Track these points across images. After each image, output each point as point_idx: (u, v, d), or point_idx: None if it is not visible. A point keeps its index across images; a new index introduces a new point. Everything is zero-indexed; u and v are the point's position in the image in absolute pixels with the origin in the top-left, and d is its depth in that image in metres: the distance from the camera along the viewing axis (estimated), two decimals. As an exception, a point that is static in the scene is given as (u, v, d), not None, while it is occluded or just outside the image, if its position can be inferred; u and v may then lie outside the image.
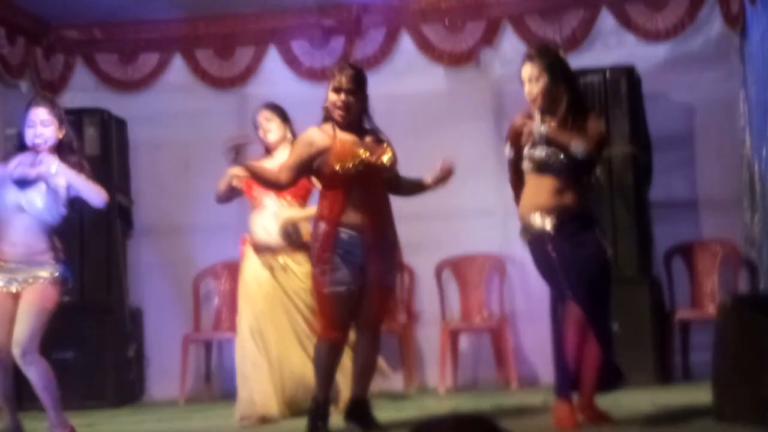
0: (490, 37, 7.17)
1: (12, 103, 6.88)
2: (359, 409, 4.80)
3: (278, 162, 5.14)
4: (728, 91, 6.72)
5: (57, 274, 4.75)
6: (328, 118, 4.77)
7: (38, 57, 7.41)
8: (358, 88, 4.74)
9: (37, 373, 4.70)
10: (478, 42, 7.18)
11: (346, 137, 4.71)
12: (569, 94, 4.54)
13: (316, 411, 4.69)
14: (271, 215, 5.51)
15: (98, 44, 7.59)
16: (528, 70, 4.55)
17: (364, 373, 4.84)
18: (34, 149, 4.81)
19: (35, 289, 4.71)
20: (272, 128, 5.67)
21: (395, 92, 6.96)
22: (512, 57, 7.01)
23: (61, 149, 4.86)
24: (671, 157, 6.81)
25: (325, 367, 4.71)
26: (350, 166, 4.60)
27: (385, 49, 7.31)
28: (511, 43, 7.09)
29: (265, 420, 5.26)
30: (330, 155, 4.62)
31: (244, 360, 5.43)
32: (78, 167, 4.85)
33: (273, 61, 7.45)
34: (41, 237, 4.77)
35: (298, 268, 5.45)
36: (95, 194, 4.86)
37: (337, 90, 4.71)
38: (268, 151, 5.69)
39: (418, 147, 6.44)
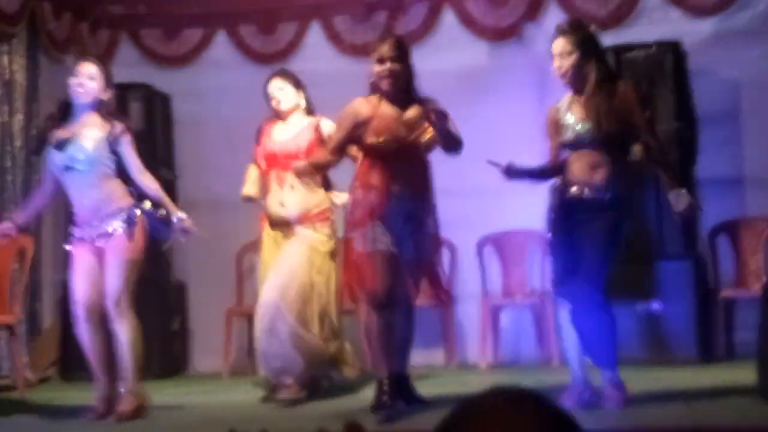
0: (533, 12, 7.11)
1: (58, 78, 6.94)
2: (400, 384, 4.78)
3: (293, 128, 5.26)
4: (776, 67, 6.63)
5: (127, 221, 4.80)
6: (375, 91, 4.76)
7: (84, 32, 7.47)
8: (402, 55, 4.73)
9: (126, 328, 4.77)
10: (522, 17, 7.12)
11: (388, 111, 4.70)
12: (599, 70, 4.56)
13: (381, 387, 4.64)
14: (288, 188, 5.39)
15: (143, 19, 7.64)
16: (560, 45, 4.55)
17: (404, 348, 4.83)
18: (75, 100, 4.89)
19: (113, 243, 4.78)
20: (285, 96, 5.51)
21: (438, 68, 6.91)
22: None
23: (100, 110, 4.91)
24: (717, 134, 6.73)
25: (377, 338, 4.65)
26: (384, 141, 4.62)
27: (428, 24, 7.28)
28: (555, 19, 6.97)
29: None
30: (369, 126, 4.65)
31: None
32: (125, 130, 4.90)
33: (315, 36, 7.45)
34: (100, 189, 4.83)
35: (313, 234, 5.36)
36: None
37: (381, 60, 4.70)
38: (280, 117, 5.56)
39: (461, 122, 6.42)
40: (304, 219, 5.36)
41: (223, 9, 7.50)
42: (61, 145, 4.84)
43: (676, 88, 6.46)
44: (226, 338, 6.93)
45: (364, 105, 4.73)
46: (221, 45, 7.58)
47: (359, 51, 7.18)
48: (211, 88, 7.44)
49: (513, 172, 4.71)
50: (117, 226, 4.78)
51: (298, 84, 5.58)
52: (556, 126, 4.69)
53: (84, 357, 4.92)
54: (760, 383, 4.52)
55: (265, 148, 5.47)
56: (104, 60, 7.38)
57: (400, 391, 4.76)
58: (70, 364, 6.43)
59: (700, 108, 6.58)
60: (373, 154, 4.67)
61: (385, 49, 4.70)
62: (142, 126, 6.92)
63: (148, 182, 4.92)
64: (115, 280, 4.74)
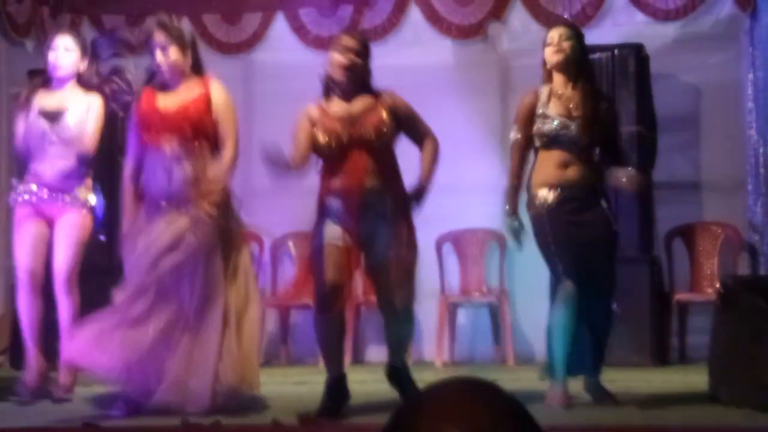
0: (498, 11, 7.12)
1: (17, 62, 6.86)
2: (396, 375, 4.72)
3: (180, 95, 4.71)
4: (736, 73, 6.70)
5: (84, 201, 4.80)
6: (326, 88, 4.67)
7: (45, 16, 7.38)
8: (363, 51, 4.64)
9: (70, 306, 4.74)
10: (487, 15, 7.13)
11: (334, 110, 4.61)
12: (583, 69, 4.69)
13: (330, 388, 4.54)
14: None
15: (105, 5, 7.55)
16: (560, 30, 4.62)
17: (398, 346, 4.76)
18: (52, 74, 4.89)
19: (68, 219, 4.77)
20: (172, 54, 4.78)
21: (402, 63, 6.92)
22: (520, 32, 6.99)
23: (81, 81, 4.93)
24: (676, 138, 6.79)
25: (326, 339, 4.61)
26: (332, 142, 4.53)
27: (393, 20, 7.27)
28: (519, 18, 7.05)
29: None
30: (318, 130, 4.57)
31: None
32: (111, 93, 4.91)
33: (280, 27, 7.41)
34: (70, 163, 4.83)
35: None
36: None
37: (342, 50, 4.59)
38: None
39: (423, 119, 6.43)
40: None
41: (187, -3, 7.44)
42: (48, 116, 4.84)
43: (638, 90, 6.50)
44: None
45: (313, 109, 4.65)
46: (184, 33, 7.50)
47: (324, 44, 7.13)
48: (172, 76, 7.37)
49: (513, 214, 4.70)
50: (74, 202, 4.75)
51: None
52: (530, 114, 4.64)
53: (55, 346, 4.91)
54: (711, 387, 4.57)
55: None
56: (79, 32, 7.36)
57: (397, 381, 4.70)
58: (21, 352, 6.34)
59: (660, 111, 6.63)
60: (325, 154, 4.58)
61: (350, 41, 4.64)
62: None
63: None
64: (66, 256, 4.71)
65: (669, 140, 6.69)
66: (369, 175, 4.52)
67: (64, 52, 4.90)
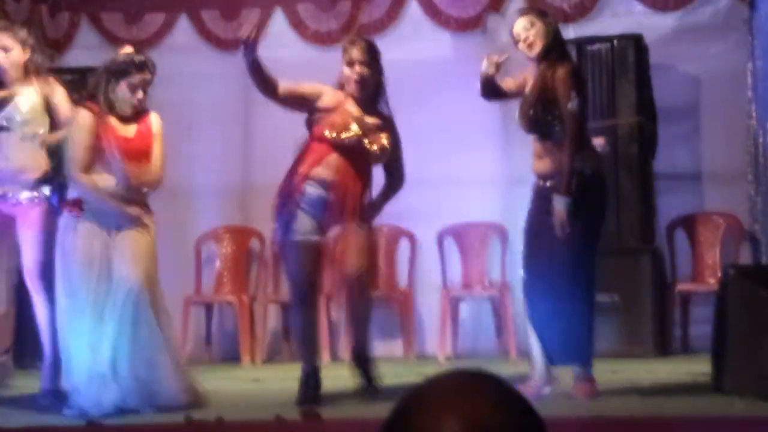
0: (497, 3, 7.11)
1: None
2: (361, 360, 4.74)
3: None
4: (735, 63, 6.68)
5: (40, 196, 4.72)
6: (341, 87, 4.74)
7: (43, 14, 7.38)
8: (372, 59, 4.67)
9: (40, 305, 4.69)
10: (485, 8, 7.12)
11: (351, 109, 4.66)
12: (549, 42, 4.55)
13: (307, 378, 4.63)
14: None
15: (103, 3, 7.55)
16: (522, 21, 4.60)
17: (358, 326, 4.76)
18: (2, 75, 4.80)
19: (26, 216, 4.70)
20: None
21: (401, 57, 6.89)
22: (519, 24, 6.98)
23: (30, 73, 4.81)
24: (676, 129, 6.78)
25: (303, 332, 4.70)
26: (340, 136, 4.56)
27: (392, 14, 7.26)
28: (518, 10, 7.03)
29: None
30: (329, 117, 4.60)
31: None
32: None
33: (279, 23, 7.39)
34: (23, 154, 4.73)
35: None
36: None
37: (350, 63, 4.64)
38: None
39: (423, 113, 6.44)
40: None
41: (185, -7, 7.43)
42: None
43: (637, 81, 6.49)
44: (183, 327, 6.87)
45: (331, 93, 4.69)
46: (183, 30, 7.50)
47: (323, 39, 7.16)
48: (172, 73, 7.31)
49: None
50: (30, 197, 4.69)
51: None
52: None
53: (39, 345, 4.87)
54: (714, 377, 4.57)
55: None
56: (60, 46, 7.34)
57: (361, 368, 4.72)
58: (25, 351, 6.35)
59: (660, 102, 6.62)
60: (323, 142, 4.60)
61: (356, 52, 4.65)
62: (102, 111, 6.85)
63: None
64: (30, 253, 4.65)
65: (669, 131, 6.68)
66: (355, 181, 4.61)
67: (2, 53, 4.78)
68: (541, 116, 4.48)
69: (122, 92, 4.56)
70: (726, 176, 6.80)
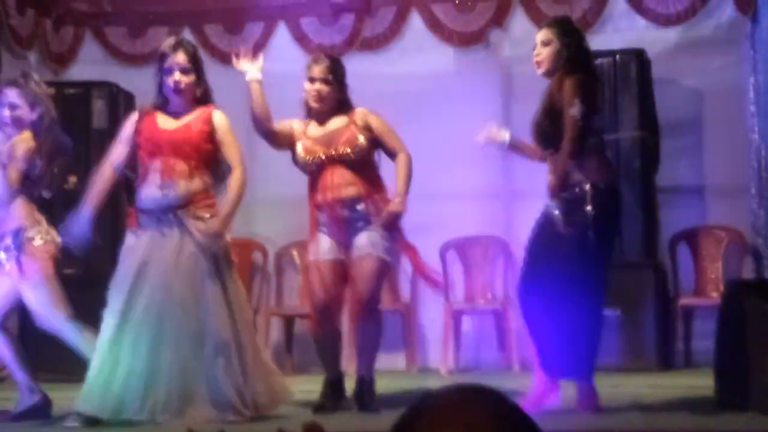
0: (500, 17, 7.14)
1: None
2: (358, 388, 4.85)
3: (183, 119, 4.68)
4: (738, 77, 6.70)
5: (15, 247, 4.69)
6: (306, 111, 4.93)
7: (47, 29, 7.41)
8: (333, 78, 4.86)
9: (67, 334, 4.70)
10: (488, 22, 7.16)
11: (313, 133, 4.86)
12: (564, 59, 4.50)
13: (326, 387, 4.85)
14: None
15: (107, 17, 7.59)
16: (542, 34, 4.57)
17: (363, 352, 4.90)
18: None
19: (14, 271, 4.69)
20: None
21: (404, 71, 6.97)
22: (522, 38, 6.99)
23: (35, 131, 4.80)
24: (679, 143, 6.79)
25: (321, 350, 4.91)
26: (309, 161, 4.80)
27: (395, 28, 7.29)
28: (521, 25, 7.06)
29: None
30: (299, 148, 4.85)
31: None
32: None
33: (282, 37, 7.43)
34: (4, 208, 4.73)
35: None
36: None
37: (311, 80, 4.86)
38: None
39: (426, 126, 6.45)
40: None
41: (188, 7, 7.47)
42: None
43: (640, 95, 6.51)
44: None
45: (299, 124, 4.92)
46: (186, 44, 7.52)
47: (326, 53, 7.17)
48: (175, 87, 7.39)
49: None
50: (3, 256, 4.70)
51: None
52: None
53: (41, 358, 4.87)
54: (717, 391, 4.56)
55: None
56: (64, 60, 7.35)
57: (358, 394, 4.84)
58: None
59: (662, 116, 6.64)
60: (306, 170, 4.87)
61: (317, 70, 4.85)
62: (106, 124, 6.87)
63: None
64: (40, 303, 4.67)
65: (672, 145, 6.70)
66: (348, 187, 4.76)
67: (8, 110, 4.77)
68: (548, 129, 4.47)
69: (163, 80, 4.58)
70: (728, 190, 6.81)
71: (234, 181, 4.62)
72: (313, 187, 4.84)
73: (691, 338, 6.54)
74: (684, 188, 6.85)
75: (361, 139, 4.79)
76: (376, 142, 4.85)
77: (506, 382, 5.81)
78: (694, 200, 6.88)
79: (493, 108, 7.04)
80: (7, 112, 4.79)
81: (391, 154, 4.90)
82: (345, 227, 4.75)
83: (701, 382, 5.00)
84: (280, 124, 4.91)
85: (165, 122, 4.63)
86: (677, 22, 6.87)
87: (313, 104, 4.86)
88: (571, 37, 4.56)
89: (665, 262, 6.69)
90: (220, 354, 4.40)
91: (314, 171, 4.83)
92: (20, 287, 4.70)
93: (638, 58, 6.57)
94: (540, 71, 4.56)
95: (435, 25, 7.23)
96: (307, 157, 4.81)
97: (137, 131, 4.64)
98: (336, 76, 4.87)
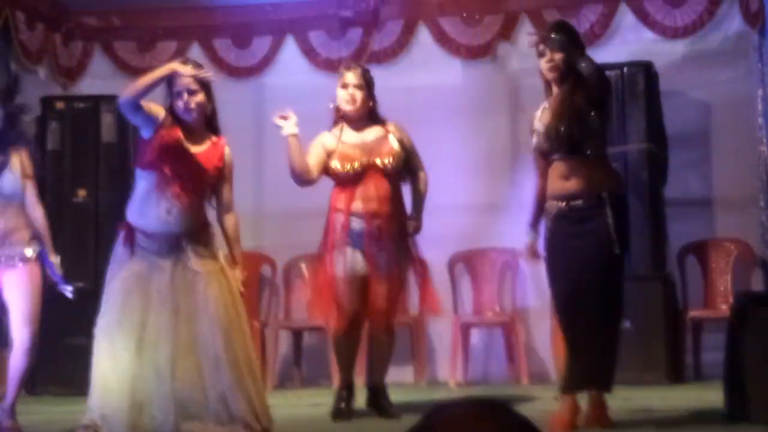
0: (507, 31, 7.16)
1: (30, 89, 6.91)
2: (374, 396, 5.05)
3: (196, 143, 4.56)
4: (746, 89, 6.69)
5: (22, 257, 4.74)
6: (337, 118, 5.00)
7: (57, 43, 7.44)
8: (365, 84, 4.97)
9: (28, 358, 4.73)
10: (496, 36, 7.17)
11: (349, 140, 4.94)
12: (567, 64, 4.48)
13: (339, 395, 4.98)
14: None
15: (116, 32, 7.62)
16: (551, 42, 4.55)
17: (378, 363, 5.06)
18: None
19: (16, 276, 4.72)
20: None
21: (412, 85, 6.98)
22: (529, 51, 6.98)
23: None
24: (687, 155, 6.79)
25: (342, 357, 5.02)
26: (350, 168, 4.86)
27: (403, 42, 7.31)
28: (528, 38, 7.06)
29: None
30: (335, 157, 4.90)
31: None
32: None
33: (290, 51, 7.46)
34: (9, 220, 4.75)
35: None
36: None
37: (344, 86, 4.96)
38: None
39: (434, 139, 6.45)
40: None
41: (197, 22, 7.49)
42: None
43: (648, 108, 6.51)
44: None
45: (328, 138, 4.98)
46: (195, 58, 7.48)
47: (334, 66, 7.18)
48: (184, 101, 7.41)
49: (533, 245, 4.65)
50: (17, 257, 4.73)
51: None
52: (531, 133, 4.61)
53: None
54: (727, 404, 4.55)
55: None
56: (73, 74, 7.40)
57: (375, 403, 5.04)
58: (34, 379, 6.36)
59: (670, 128, 6.64)
60: (341, 180, 4.91)
61: (350, 76, 4.96)
62: (115, 138, 6.90)
63: (37, 215, 4.84)
64: (27, 311, 4.71)
65: (680, 157, 6.69)
66: (386, 202, 4.88)
67: None
68: (565, 132, 4.41)
69: (174, 103, 4.46)
70: (737, 202, 6.80)
71: (234, 225, 4.61)
72: (348, 196, 4.87)
73: (700, 351, 6.52)
74: (692, 201, 6.84)
75: (398, 152, 4.94)
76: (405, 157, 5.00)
77: (515, 395, 5.81)
78: (702, 213, 6.87)
79: (500, 121, 7.06)
80: None
81: (412, 171, 5.03)
82: (377, 241, 4.84)
83: (711, 395, 4.98)
84: (313, 157, 4.90)
85: (189, 144, 4.49)
86: (685, 35, 6.88)
87: (347, 107, 4.94)
88: (572, 50, 4.56)
89: (674, 274, 6.68)
90: (231, 368, 4.37)
91: (351, 179, 4.88)
92: (18, 290, 4.72)
93: (646, 70, 6.57)
94: (552, 76, 4.51)
95: (442, 39, 7.25)
96: (345, 164, 4.87)
97: (161, 130, 4.42)
98: (368, 83, 5.00)
